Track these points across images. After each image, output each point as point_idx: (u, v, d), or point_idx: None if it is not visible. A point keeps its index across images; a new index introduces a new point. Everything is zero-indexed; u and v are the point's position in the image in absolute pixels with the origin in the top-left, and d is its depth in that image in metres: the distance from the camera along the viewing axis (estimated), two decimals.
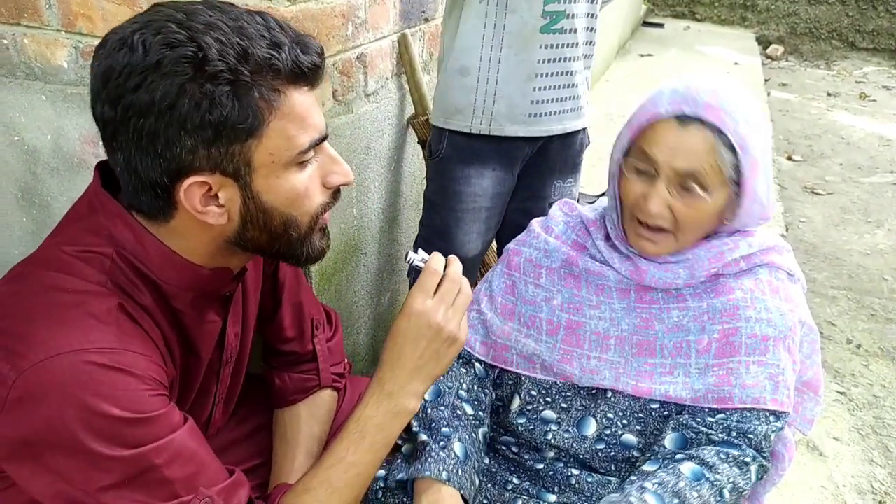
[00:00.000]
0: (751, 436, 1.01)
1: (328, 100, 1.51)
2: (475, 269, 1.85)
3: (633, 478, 1.01)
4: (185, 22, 0.75)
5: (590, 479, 1.09)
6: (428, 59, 2.01)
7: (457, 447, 1.06)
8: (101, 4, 1.36)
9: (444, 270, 0.94)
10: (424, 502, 1.01)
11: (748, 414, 1.02)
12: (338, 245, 1.69)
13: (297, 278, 1.19)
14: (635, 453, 1.09)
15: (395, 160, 1.93)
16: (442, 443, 1.06)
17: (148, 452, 0.78)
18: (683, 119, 0.99)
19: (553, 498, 1.10)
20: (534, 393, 1.15)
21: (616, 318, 1.11)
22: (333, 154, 0.88)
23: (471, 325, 1.20)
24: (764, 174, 1.03)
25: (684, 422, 1.04)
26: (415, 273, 0.93)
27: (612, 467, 1.10)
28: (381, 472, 1.11)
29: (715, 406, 1.04)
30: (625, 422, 1.09)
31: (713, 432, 1.02)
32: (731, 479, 0.98)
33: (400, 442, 1.14)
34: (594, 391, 1.11)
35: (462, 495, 1.03)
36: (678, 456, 1.01)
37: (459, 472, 1.04)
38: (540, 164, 1.75)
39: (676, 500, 0.94)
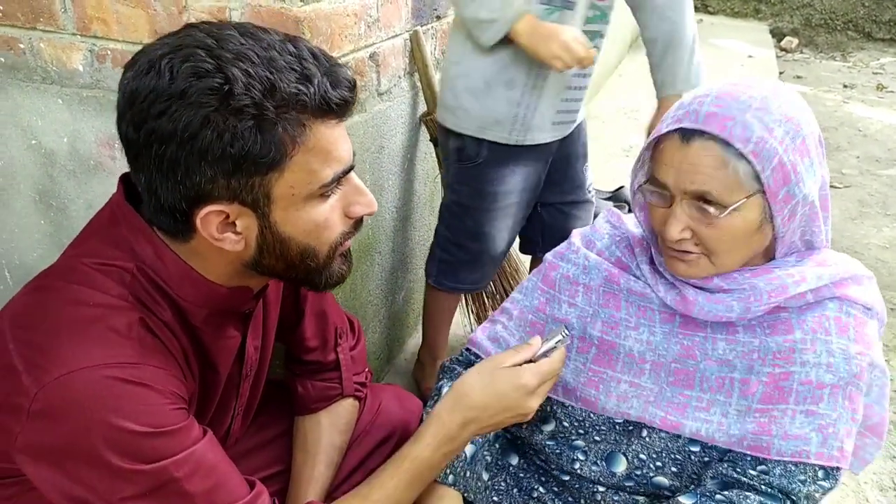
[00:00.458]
0: (793, 496, 0.92)
1: None
2: (500, 264, 1.90)
3: None
4: (215, 50, 0.74)
5: (616, 498, 1.05)
6: (440, 57, 2.00)
7: (466, 448, 1.05)
8: (116, 8, 1.37)
9: (550, 353, 0.95)
10: None
11: (792, 468, 0.93)
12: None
13: None
14: (665, 492, 1.03)
15: (409, 159, 1.93)
16: None
17: (168, 466, 0.79)
18: (686, 134, 0.89)
19: None
20: (566, 424, 1.09)
21: (655, 342, 1.02)
22: (358, 184, 0.87)
23: (494, 338, 1.16)
24: (809, 174, 0.90)
25: (724, 471, 0.96)
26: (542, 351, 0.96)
27: (640, 492, 1.06)
28: None
29: (750, 453, 0.95)
30: (658, 464, 1.02)
31: (755, 484, 0.94)
32: None
33: None
34: (630, 427, 1.04)
35: (467, 497, 1.01)
36: (717, 496, 0.94)
37: (466, 475, 1.03)
38: (568, 154, 1.82)
39: None
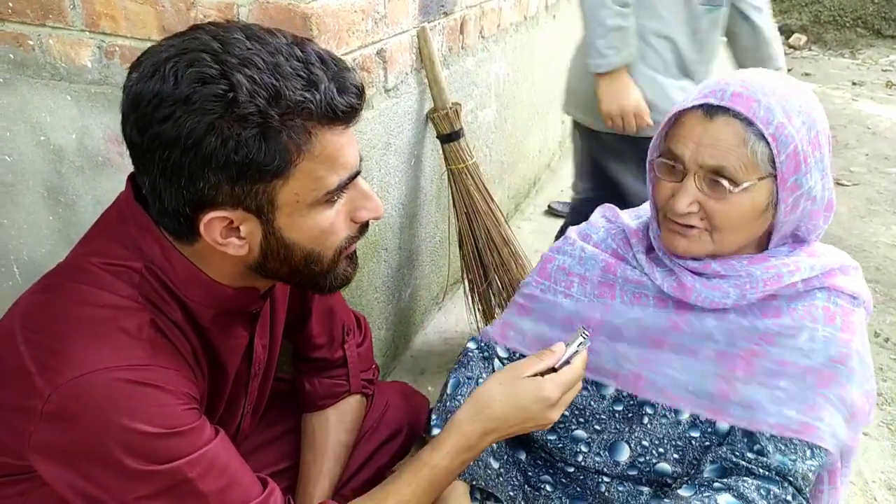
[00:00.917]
0: (790, 477, 0.96)
1: None
2: None
3: (666, 501, 0.97)
4: (220, 55, 0.73)
5: (621, 489, 1.06)
6: (447, 53, 2.00)
7: None
8: (124, 4, 1.38)
9: (571, 360, 0.95)
10: None
11: (783, 447, 0.97)
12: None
13: None
14: (668, 479, 1.05)
15: (416, 155, 1.93)
16: None
17: (182, 466, 0.79)
18: (710, 110, 0.93)
19: None
20: (566, 413, 1.10)
21: (645, 319, 1.05)
22: (365, 189, 0.86)
23: (506, 323, 1.19)
24: (817, 168, 0.94)
25: (723, 454, 0.99)
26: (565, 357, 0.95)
27: (643, 480, 1.07)
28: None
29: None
30: (661, 450, 1.04)
31: (752, 468, 0.96)
32: None
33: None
34: (630, 415, 1.06)
35: (475, 485, 1.02)
36: (716, 484, 0.96)
37: (472, 464, 1.04)
38: None
39: None
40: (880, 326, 2.61)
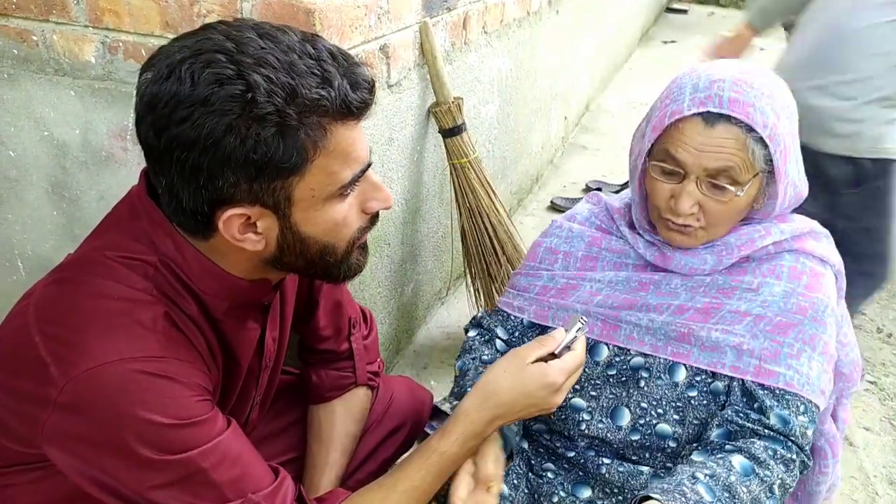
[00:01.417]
0: (792, 437, 1.00)
1: None
2: None
3: (681, 465, 1.00)
4: (235, 55, 0.74)
5: (621, 469, 1.09)
6: (450, 49, 2.00)
7: None
8: None
9: (572, 345, 0.97)
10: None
11: (778, 402, 1.01)
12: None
13: None
14: (670, 443, 1.08)
15: (418, 150, 1.93)
16: None
17: (195, 456, 0.80)
18: (709, 117, 0.96)
19: (588, 493, 1.10)
20: None
21: (614, 282, 1.12)
22: (375, 181, 0.88)
23: (507, 304, 1.23)
24: (794, 156, 1.02)
25: (728, 417, 1.03)
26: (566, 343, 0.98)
27: (647, 455, 1.10)
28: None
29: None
30: (660, 411, 1.08)
31: (756, 429, 1.01)
32: (779, 476, 0.98)
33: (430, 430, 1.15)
34: (624, 379, 1.11)
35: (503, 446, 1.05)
36: (727, 446, 1.00)
37: None
38: None
39: (727, 494, 0.93)
40: (883, 322, 2.61)
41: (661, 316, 1.08)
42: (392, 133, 1.75)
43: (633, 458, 1.11)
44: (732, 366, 1.04)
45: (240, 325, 0.94)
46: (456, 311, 2.37)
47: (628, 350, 1.10)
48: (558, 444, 1.17)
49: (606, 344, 1.12)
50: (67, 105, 1.51)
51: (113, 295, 0.81)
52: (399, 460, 1.03)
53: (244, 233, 0.82)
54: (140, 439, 0.78)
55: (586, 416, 1.12)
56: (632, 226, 1.14)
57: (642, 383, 1.09)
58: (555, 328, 1.01)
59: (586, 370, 1.12)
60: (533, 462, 1.17)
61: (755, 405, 1.02)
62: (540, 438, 1.19)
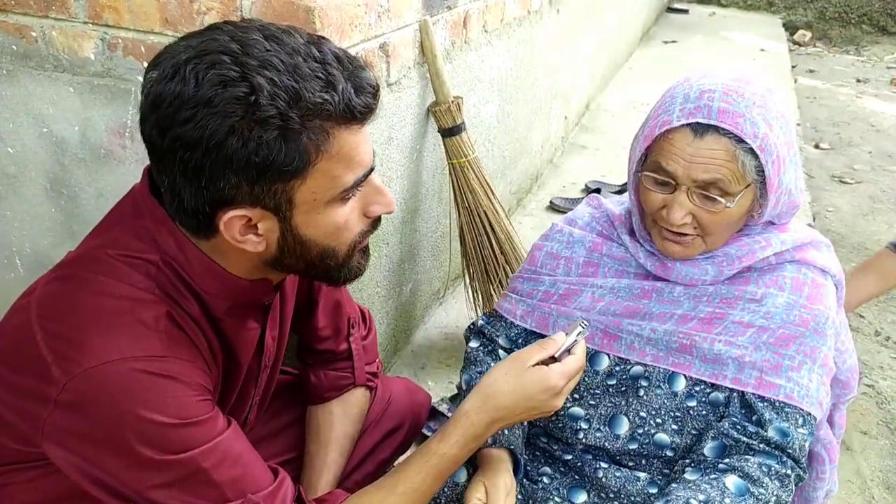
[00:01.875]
0: (789, 450, 1.00)
1: None
2: None
3: (674, 486, 1.00)
4: (240, 57, 0.74)
5: (618, 475, 1.09)
6: (450, 47, 2.00)
7: None
8: None
9: (573, 349, 0.97)
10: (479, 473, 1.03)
11: (778, 415, 1.01)
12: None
13: None
14: (668, 452, 1.08)
15: (417, 150, 1.93)
16: None
17: (196, 456, 0.81)
18: (698, 128, 0.96)
19: (583, 498, 1.10)
20: None
21: (616, 289, 1.11)
22: (378, 185, 0.88)
23: (508, 311, 1.22)
24: (791, 164, 1.01)
25: (724, 430, 1.02)
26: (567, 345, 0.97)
27: (643, 462, 1.10)
28: None
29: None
30: (658, 420, 1.08)
31: (753, 442, 1.00)
32: (774, 493, 0.97)
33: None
34: (623, 388, 1.10)
35: (514, 450, 1.06)
36: (720, 465, 1.00)
37: (506, 431, 1.07)
38: None
39: None
40: (881, 325, 2.61)
41: (664, 325, 1.07)
42: (391, 132, 1.75)
43: (630, 464, 1.10)
44: (734, 378, 1.04)
45: (240, 324, 0.94)
46: (454, 311, 2.36)
47: (628, 360, 1.10)
48: (555, 448, 1.17)
49: (607, 354, 1.11)
50: (66, 101, 1.51)
51: (115, 293, 0.81)
52: (398, 462, 1.03)
53: (245, 234, 0.82)
54: (141, 439, 0.78)
55: (584, 425, 1.12)
56: (632, 233, 1.14)
57: (641, 392, 1.09)
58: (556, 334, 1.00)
59: (586, 379, 1.12)
60: (529, 468, 1.17)
61: (753, 417, 1.02)
62: (537, 442, 1.19)
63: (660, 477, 1.08)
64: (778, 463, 0.99)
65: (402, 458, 1.06)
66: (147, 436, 0.78)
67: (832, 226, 3.38)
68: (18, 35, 1.48)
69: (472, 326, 1.27)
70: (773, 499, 0.97)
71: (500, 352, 1.21)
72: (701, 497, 0.95)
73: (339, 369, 1.22)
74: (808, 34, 7.38)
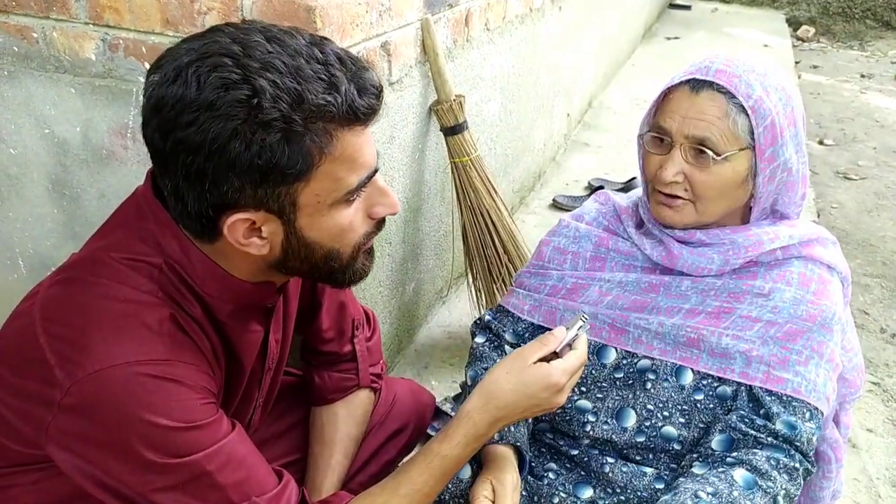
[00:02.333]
0: (797, 443, 1.00)
1: None
2: None
3: (682, 479, 1.00)
4: (242, 59, 0.74)
5: (624, 469, 1.09)
6: (452, 46, 1.99)
7: None
8: None
9: (574, 344, 0.97)
10: (485, 471, 1.03)
11: (785, 408, 1.01)
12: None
13: None
14: (675, 445, 1.08)
15: (419, 149, 1.92)
16: None
17: (200, 459, 0.81)
18: (696, 85, 1.00)
19: (589, 493, 1.10)
20: None
21: (624, 283, 1.12)
22: (382, 186, 0.88)
23: (515, 307, 1.22)
24: (792, 142, 1.02)
25: (732, 424, 1.03)
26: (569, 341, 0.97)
27: (650, 456, 1.10)
28: None
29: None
30: (665, 413, 1.08)
31: (761, 436, 1.01)
32: (783, 486, 0.97)
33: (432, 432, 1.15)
34: (631, 381, 1.10)
35: (521, 447, 1.06)
36: (728, 459, 1.00)
37: (512, 428, 1.07)
38: None
39: None
40: (886, 322, 2.60)
41: (672, 319, 1.07)
42: (393, 131, 1.74)
43: (637, 458, 1.10)
44: (742, 372, 1.04)
45: (243, 327, 0.94)
46: (457, 310, 2.36)
47: (636, 353, 1.10)
48: (561, 443, 1.17)
49: (614, 347, 1.11)
50: (68, 102, 1.51)
51: (119, 297, 0.81)
52: (401, 463, 1.02)
53: (248, 237, 0.81)
54: (145, 442, 0.78)
55: (591, 418, 1.12)
56: (640, 225, 1.15)
57: (649, 385, 1.09)
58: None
59: (593, 372, 1.12)
60: (534, 464, 1.17)
61: (761, 411, 1.02)
62: (542, 437, 1.19)
63: (667, 472, 1.08)
64: (786, 456, 0.99)
65: (406, 459, 1.06)
66: (151, 439, 0.78)
67: (836, 222, 3.36)
68: (19, 36, 1.48)
69: (477, 322, 1.28)
70: (782, 492, 0.97)
71: (507, 347, 1.21)
72: (709, 489, 0.95)
73: (344, 371, 1.21)
74: (812, 30, 7.35)
